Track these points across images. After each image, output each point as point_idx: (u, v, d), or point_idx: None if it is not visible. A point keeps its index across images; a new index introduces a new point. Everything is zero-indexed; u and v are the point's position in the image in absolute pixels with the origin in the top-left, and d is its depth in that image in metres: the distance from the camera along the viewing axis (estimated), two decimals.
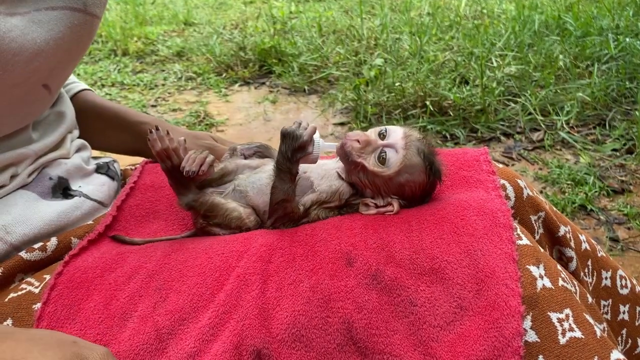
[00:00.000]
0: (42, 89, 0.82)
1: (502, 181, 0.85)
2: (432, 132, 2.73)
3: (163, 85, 3.40)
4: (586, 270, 0.96)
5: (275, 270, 0.73)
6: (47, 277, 0.78)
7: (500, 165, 0.89)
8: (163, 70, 3.63)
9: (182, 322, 0.71)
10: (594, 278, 0.97)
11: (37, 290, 0.76)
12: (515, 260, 0.70)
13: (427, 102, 2.81)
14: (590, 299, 0.78)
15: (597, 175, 2.29)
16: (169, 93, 3.29)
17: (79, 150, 1.00)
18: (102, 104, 1.12)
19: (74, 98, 1.09)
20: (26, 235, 0.83)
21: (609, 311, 1.00)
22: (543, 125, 2.72)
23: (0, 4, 0.71)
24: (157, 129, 0.83)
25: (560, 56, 3.24)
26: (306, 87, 3.27)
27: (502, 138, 2.68)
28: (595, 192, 2.18)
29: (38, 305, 0.74)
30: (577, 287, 0.76)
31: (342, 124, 2.91)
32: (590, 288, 0.96)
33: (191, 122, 2.88)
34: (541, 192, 2.24)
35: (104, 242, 0.86)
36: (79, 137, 1.05)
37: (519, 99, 2.86)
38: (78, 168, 0.94)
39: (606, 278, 0.99)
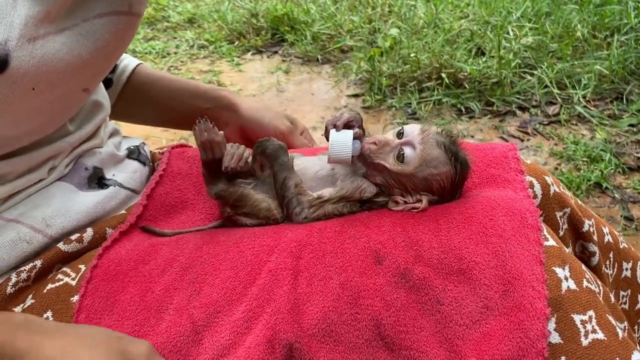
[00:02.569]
0: (82, 92, 0.83)
1: (530, 178, 0.86)
2: (447, 105, 2.72)
3: (175, 53, 3.38)
4: (607, 263, 0.97)
5: (306, 266, 0.75)
6: (82, 267, 0.81)
7: (528, 161, 0.90)
8: (175, 38, 3.60)
9: (216, 314, 0.74)
10: (615, 270, 0.99)
11: (74, 283, 0.79)
12: (542, 263, 0.72)
13: (443, 74, 2.79)
14: (612, 299, 0.80)
15: (613, 152, 2.28)
16: (182, 62, 3.28)
17: (110, 136, 1.01)
18: (169, 77, 1.18)
19: (133, 75, 1.12)
20: (65, 228, 0.85)
21: (627, 301, 1.02)
22: (559, 99, 2.70)
23: (50, 23, 0.70)
24: (205, 119, 0.85)
25: (579, 26, 3.18)
26: (319, 57, 3.24)
27: (518, 112, 2.66)
28: (611, 169, 2.18)
29: (76, 298, 0.76)
30: (600, 287, 0.77)
31: (356, 95, 2.90)
32: (611, 280, 0.98)
33: None
34: (556, 169, 2.24)
35: (135, 232, 0.88)
36: (122, 116, 1.10)
37: (535, 72, 2.83)
38: (111, 156, 0.96)
39: (627, 269, 1.01)
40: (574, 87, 2.75)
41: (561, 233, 0.88)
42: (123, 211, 0.92)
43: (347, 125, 0.84)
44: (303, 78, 3.09)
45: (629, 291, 1.02)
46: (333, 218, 0.83)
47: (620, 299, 1.01)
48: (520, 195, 0.81)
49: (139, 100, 1.16)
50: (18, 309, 0.77)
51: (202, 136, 0.84)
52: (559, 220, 0.88)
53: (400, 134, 0.83)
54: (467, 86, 2.78)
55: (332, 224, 0.80)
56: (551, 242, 0.76)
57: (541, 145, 2.39)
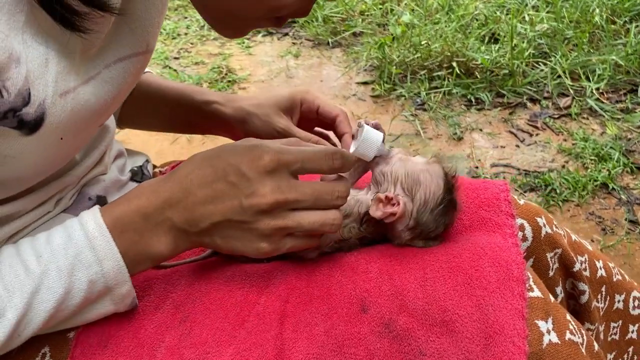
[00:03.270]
0: (98, 127, 0.84)
1: (521, 221, 0.86)
2: (457, 95, 2.69)
3: (185, 34, 3.35)
4: (599, 297, 0.98)
5: (292, 311, 0.77)
6: None
7: (522, 202, 0.90)
8: (185, 18, 3.57)
9: (206, 355, 0.76)
10: (607, 303, 1.00)
11: None
12: (524, 317, 0.73)
13: (454, 63, 2.75)
14: (596, 347, 0.81)
15: (623, 150, 2.26)
16: (192, 44, 3.26)
17: (115, 158, 1.02)
18: (167, 86, 1.13)
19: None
20: None
21: (618, 332, 1.03)
22: (571, 91, 2.66)
23: (77, 75, 0.69)
24: None
25: (597, 10, 3.10)
26: (330, 40, 3.20)
27: (529, 104, 2.63)
28: (619, 169, 2.16)
29: (72, 334, 0.79)
30: (584, 337, 0.78)
31: (365, 83, 2.87)
32: (602, 313, 0.99)
33: (213, 78, 2.87)
34: (563, 167, 2.23)
35: None
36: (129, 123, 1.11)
37: (548, 62, 2.78)
38: (115, 182, 0.96)
39: (619, 301, 1.02)
40: (587, 79, 2.70)
41: (551, 273, 0.89)
42: None
43: (376, 128, 0.86)
44: (313, 63, 3.07)
45: (620, 322, 1.03)
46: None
47: (611, 329, 1.02)
48: (508, 242, 0.81)
49: (145, 105, 1.15)
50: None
51: None
52: (550, 261, 0.89)
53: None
54: (478, 76, 2.75)
55: (322, 266, 0.82)
56: (536, 292, 0.76)
57: (550, 141, 2.37)
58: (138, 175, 1.03)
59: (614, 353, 1.04)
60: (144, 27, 0.80)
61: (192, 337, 0.77)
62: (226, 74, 2.91)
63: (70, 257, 0.70)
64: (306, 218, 0.74)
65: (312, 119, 1.03)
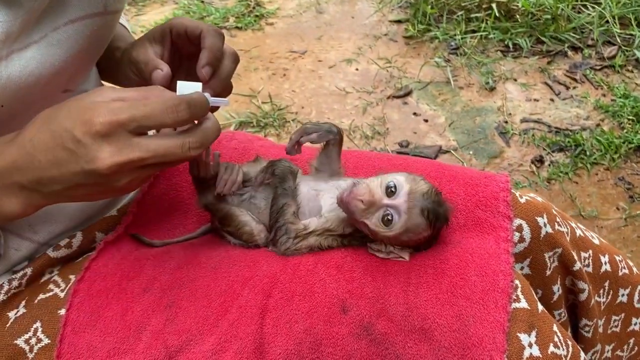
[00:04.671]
0: (63, 93, 0.82)
1: (519, 221, 0.83)
2: (494, 40, 2.55)
3: None
4: (601, 292, 0.96)
5: (274, 306, 0.77)
6: (72, 277, 0.85)
7: (523, 200, 0.85)
8: None
9: (188, 342, 0.77)
10: (609, 297, 0.97)
11: (62, 295, 0.83)
12: (505, 331, 0.71)
13: (493, 5, 2.59)
14: (582, 357, 0.79)
15: None
16: None
17: None
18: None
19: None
20: (52, 232, 0.88)
21: (619, 324, 1.01)
22: (618, 39, 2.48)
23: (13, 42, 0.68)
24: None
25: None
26: None
27: (570, 53, 2.48)
28: None
29: (63, 311, 0.82)
30: (570, 349, 0.77)
31: (399, 21, 2.75)
32: (603, 307, 0.96)
33: (240, 12, 2.79)
34: (598, 125, 2.11)
35: (124, 239, 0.91)
36: None
37: (597, 5, 2.58)
38: None
39: (623, 295, 0.99)
40: (639, 25, 2.51)
41: (548, 273, 0.87)
42: (114, 212, 0.94)
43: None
44: None
45: (623, 315, 1.01)
46: (313, 251, 0.83)
47: (612, 322, 1.00)
48: (500, 248, 0.78)
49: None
50: (11, 314, 0.83)
51: None
52: (548, 261, 0.86)
53: (389, 191, 0.79)
54: (518, 19, 2.59)
55: (307, 260, 0.81)
56: (522, 303, 0.74)
57: (587, 96, 2.25)
58: None
59: (612, 344, 1.02)
60: None
61: (176, 324, 0.79)
62: (254, 8, 2.82)
63: None
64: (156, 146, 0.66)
65: (185, 44, 0.87)
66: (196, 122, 0.70)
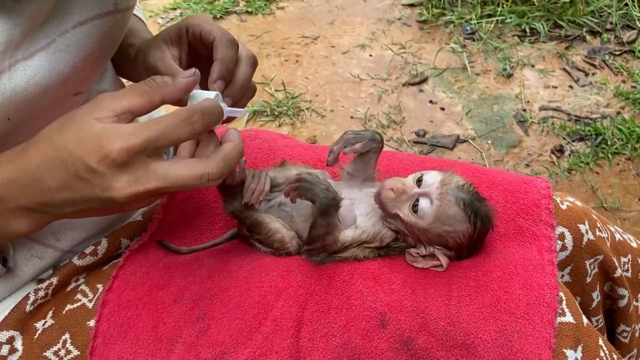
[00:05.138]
0: (74, 97, 0.79)
1: (561, 229, 0.80)
2: (511, 25, 2.49)
3: None
4: (639, 296, 0.94)
5: (310, 319, 0.75)
6: (100, 287, 0.83)
7: (564, 206, 0.83)
8: None
9: (222, 355, 0.76)
10: None
11: (90, 305, 0.82)
12: (552, 347, 0.69)
13: None
14: None
15: None
16: None
17: None
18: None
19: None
20: (75, 239, 0.86)
21: None
22: (638, 23, 2.43)
23: (15, 51, 0.65)
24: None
25: None
26: None
27: (588, 37, 2.42)
28: None
29: (92, 323, 0.80)
30: None
31: (412, 5, 2.69)
32: None
33: None
34: (618, 113, 2.07)
35: (150, 246, 0.89)
36: None
37: None
38: None
39: None
40: None
41: (588, 280, 0.84)
42: (139, 217, 0.92)
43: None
44: None
45: None
46: (348, 261, 0.81)
47: None
48: (544, 258, 0.76)
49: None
50: (39, 325, 0.82)
51: None
52: (588, 268, 0.84)
53: (419, 182, 0.78)
54: (535, 2, 2.53)
55: (342, 270, 0.79)
56: (568, 317, 0.72)
57: (607, 82, 2.20)
58: None
59: None
60: None
61: (209, 336, 0.77)
62: None
63: None
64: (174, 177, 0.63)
65: (201, 47, 0.84)
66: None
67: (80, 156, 0.61)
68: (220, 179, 0.66)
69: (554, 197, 0.84)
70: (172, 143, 0.64)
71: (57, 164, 0.62)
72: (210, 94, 0.70)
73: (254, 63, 0.83)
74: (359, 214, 0.82)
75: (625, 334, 0.91)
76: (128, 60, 0.90)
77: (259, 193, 0.83)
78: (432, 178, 0.77)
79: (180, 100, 0.69)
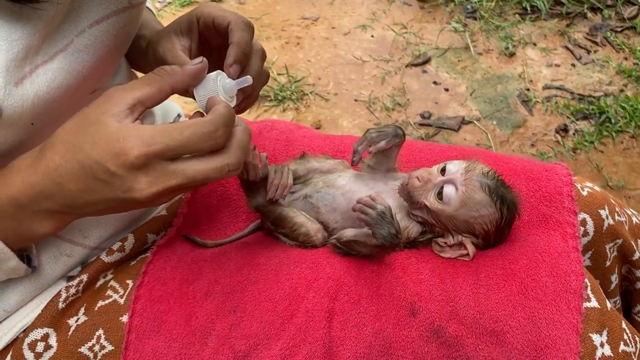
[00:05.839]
0: (90, 95, 0.79)
1: (583, 216, 0.82)
2: (511, 3, 2.48)
3: None
4: None
5: (341, 309, 0.77)
6: (130, 283, 0.84)
7: (585, 192, 0.84)
8: None
9: (256, 347, 0.78)
10: None
11: (122, 301, 0.83)
12: (579, 332, 0.71)
13: None
14: None
15: None
16: None
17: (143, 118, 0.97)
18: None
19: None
20: (102, 236, 0.87)
21: None
22: None
23: (35, 55, 0.64)
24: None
25: None
26: None
27: (589, 14, 2.42)
28: None
29: (125, 318, 0.81)
30: (638, 345, 0.77)
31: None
32: None
33: None
34: (621, 91, 2.09)
35: (177, 240, 0.90)
36: None
37: None
38: None
39: None
40: None
41: (608, 263, 0.87)
42: (163, 211, 0.93)
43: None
44: None
45: None
46: None
47: None
48: (569, 245, 0.78)
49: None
50: (72, 321, 0.83)
51: None
52: (608, 252, 0.86)
53: (443, 171, 0.79)
54: None
55: (370, 262, 0.80)
56: (593, 302, 0.74)
57: (609, 60, 2.21)
58: None
59: None
60: None
61: (242, 328, 0.78)
62: None
63: None
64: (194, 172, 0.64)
65: (213, 35, 0.83)
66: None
67: (98, 159, 0.61)
68: (240, 167, 0.66)
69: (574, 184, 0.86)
70: (191, 153, 0.64)
71: (75, 167, 0.63)
72: (212, 75, 0.69)
73: (263, 56, 0.82)
74: None
75: None
76: (139, 51, 0.90)
77: (283, 188, 0.84)
78: (455, 166, 0.79)
79: (188, 89, 0.70)
